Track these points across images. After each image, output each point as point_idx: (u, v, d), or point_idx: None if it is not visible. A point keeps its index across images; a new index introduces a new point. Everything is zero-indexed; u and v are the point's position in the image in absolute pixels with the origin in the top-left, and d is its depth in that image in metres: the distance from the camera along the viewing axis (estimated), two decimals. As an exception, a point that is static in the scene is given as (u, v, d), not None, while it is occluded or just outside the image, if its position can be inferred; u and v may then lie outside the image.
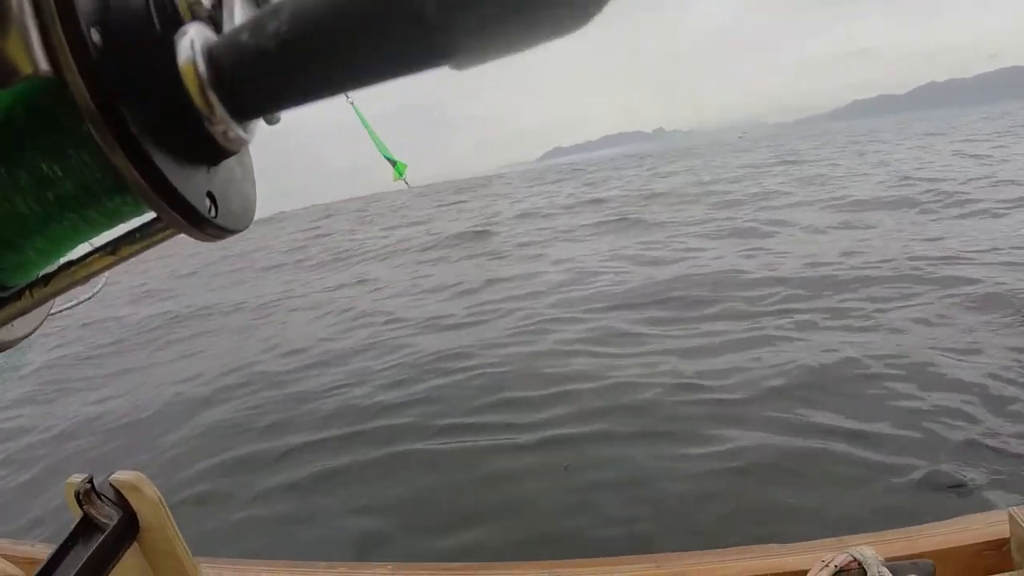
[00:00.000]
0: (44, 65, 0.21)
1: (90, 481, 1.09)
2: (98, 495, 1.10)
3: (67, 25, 0.21)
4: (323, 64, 0.18)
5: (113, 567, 1.08)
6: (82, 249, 0.29)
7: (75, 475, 1.09)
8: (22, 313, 0.28)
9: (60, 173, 0.25)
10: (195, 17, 0.23)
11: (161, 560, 1.15)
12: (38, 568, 0.97)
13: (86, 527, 1.07)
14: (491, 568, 1.22)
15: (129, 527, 1.13)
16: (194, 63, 0.19)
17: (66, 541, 1.03)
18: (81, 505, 1.07)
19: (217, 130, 0.21)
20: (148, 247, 0.29)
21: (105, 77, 0.21)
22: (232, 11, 0.24)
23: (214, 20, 0.24)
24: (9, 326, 0.28)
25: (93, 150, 0.24)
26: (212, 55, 0.19)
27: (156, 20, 0.23)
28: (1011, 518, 1.06)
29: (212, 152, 0.25)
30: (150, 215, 0.27)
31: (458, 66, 0.18)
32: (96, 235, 0.28)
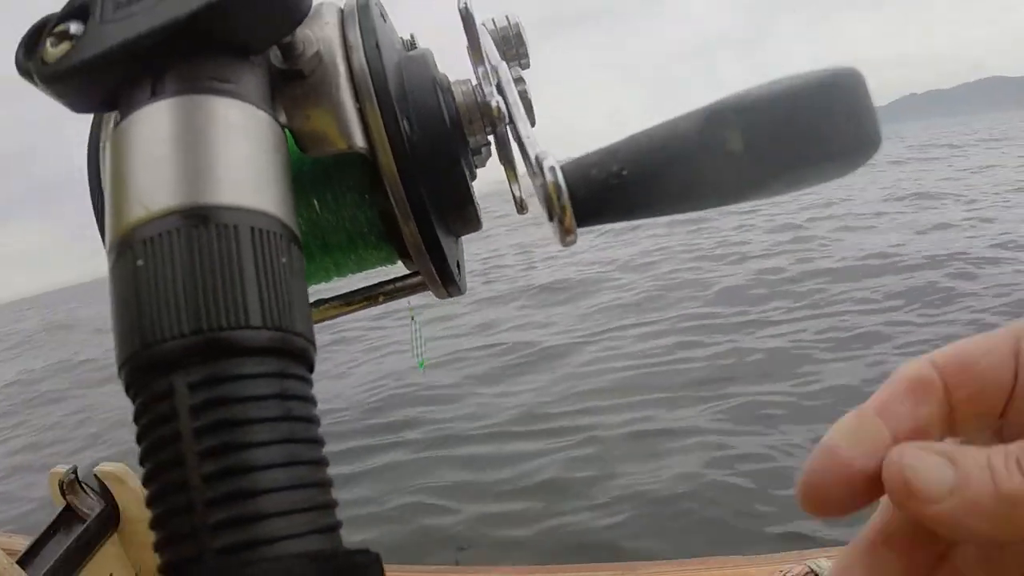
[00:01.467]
0: (361, 143, 0.26)
1: (74, 472, 1.12)
2: (82, 486, 1.12)
3: (386, 115, 0.26)
4: (648, 195, 0.23)
5: (92, 557, 1.11)
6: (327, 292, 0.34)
7: (60, 465, 1.12)
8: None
9: (345, 217, 0.30)
10: (471, 121, 0.30)
11: (140, 551, 1.17)
12: (17, 557, 1.00)
13: (67, 517, 1.09)
14: (462, 571, 1.25)
15: (110, 518, 1.16)
16: (557, 184, 0.23)
17: (47, 531, 1.06)
18: (64, 495, 1.09)
19: (565, 237, 0.25)
20: (397, 297, 0.34)
21: (410, 160, 0.27)
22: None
23: (485, 120, 0.30)
24: None
25: (378, 208, 0.30)
26: (567, 178, 0.24)
27: (447, 118, 0.29)
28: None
29: (466, 227, 0.33)
30: (401, 270, 0.33)
31: (754, 197, 0.23)
32: (344, 275, 0.33)
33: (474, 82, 0.31)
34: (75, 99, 0.23)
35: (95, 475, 1.17)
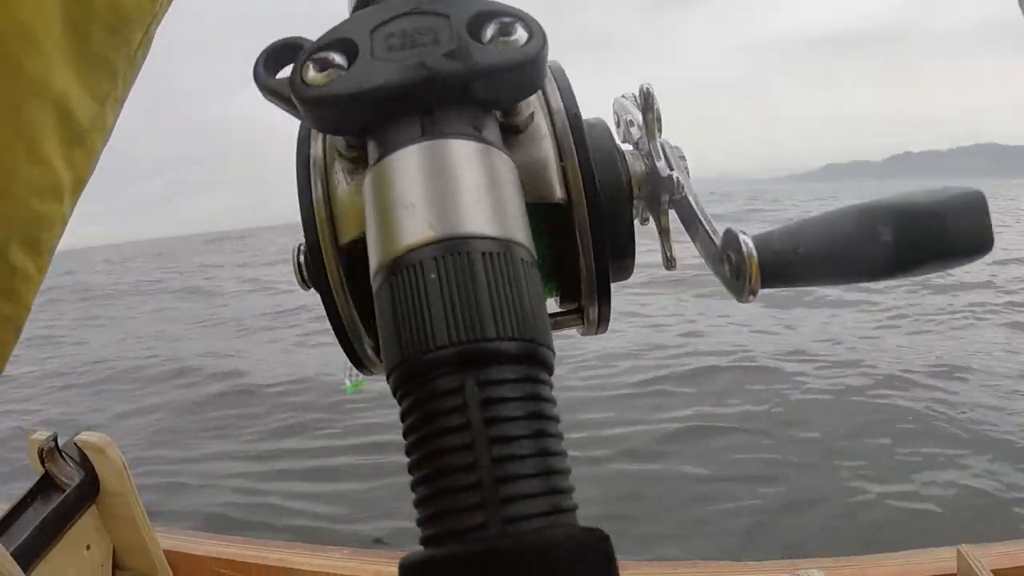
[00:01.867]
0: (560, 195, 0.30)
1: (54, 439, 1.09)
2: (61, 455, 1.10)
3: (585, 174, 0.30)
4: (816, 268, 0.29)
5: (70, 527, 1.08)
6: None
7: (40, 431, 1.09)
8: (369, 361, 0.34)
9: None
10: (639, 187, 0.34)
11: (118, 524, 1.15)
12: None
13: (46, 485, 1.07)
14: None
15: (90, 489, 1.13)
16: (751, 254, 0.29)
17: (24, 498, 1.03)
18: (43, 463, 1.07)
19: (748, 296, 0.30)
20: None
21: (600, 215, 0.30)
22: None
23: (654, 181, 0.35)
24: None
25: (553, 249, 0.32)
26: (759, 249, 0.29)
27: (624, 182, 0.34)
28: (959, 555, 1.08)
29: (621, 275, 0.35)
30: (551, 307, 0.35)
31: (893, 279, 0.28)
32: None
33: (633, 149, 0.35)
34: (330, 121, 0.27)
35: (75, 444, 1.14)
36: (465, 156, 0.24)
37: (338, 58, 0.26)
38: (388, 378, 0.22)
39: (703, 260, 0.34)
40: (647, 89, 0.34)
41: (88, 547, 1.11)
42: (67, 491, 1.09)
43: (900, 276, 0.28)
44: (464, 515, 0.20)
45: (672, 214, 0.35)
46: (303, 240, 0.33)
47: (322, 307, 0.31)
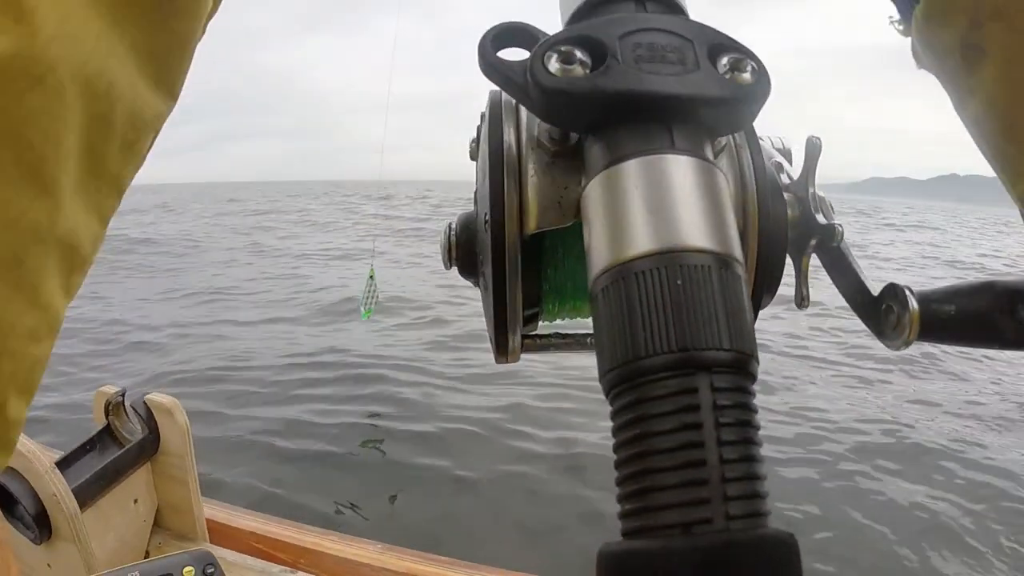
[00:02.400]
0: (738, 256, 0.30)
1: (123, 394, 1.16)
2: (125, 410, 1.17)
3: (761, 211, 0.32)
4: (962, 330, 0.32)
5: (125, 479, 1.15)
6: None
7: (108, 385, 1.17)
8: (512, 352, 0.36)
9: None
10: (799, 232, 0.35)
11: (169, 484, 1.21)
12: (55, 459, 1.04)
13: (105, 436, 1.14)
14: (478, 569, 1.22)
15: (150, 446, 1.20)
16: (916, 309, 0.31)
17: (84, 444, 1.11)
18: (107, 415, 1.14)
19: (902, 345, 0.34)
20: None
21: (758, 273, 0.33)
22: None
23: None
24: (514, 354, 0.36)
25: None
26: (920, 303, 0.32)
27: (787, 230, 0.34)
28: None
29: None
30: None
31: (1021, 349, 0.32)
32: (572, 317, 0.38)
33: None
34: (565, 114, 0.28)
35: (144, 402, 1.21)
36: (703, 173, 0.26)
37: (582, 55, 0.27)
38: (609, 372, 0.24)
39: (847, 303, 0.35)
40: (816, 141, 0.35)
41: (136, 501, 1.17)
42: (128, 444, 1.15)
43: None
44: (691, 509, 0.21)
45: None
46: (453, 220, 0.37)
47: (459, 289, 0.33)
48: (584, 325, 0.38)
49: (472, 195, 0.38)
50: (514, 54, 0.30)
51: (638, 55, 0.27)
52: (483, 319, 0.37)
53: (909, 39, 0.35)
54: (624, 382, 0.23)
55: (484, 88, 0.33)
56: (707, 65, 0.27)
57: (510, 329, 0.34)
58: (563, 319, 0.38)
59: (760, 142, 0.38)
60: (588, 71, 0.27)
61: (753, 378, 0.24)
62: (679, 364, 0.22)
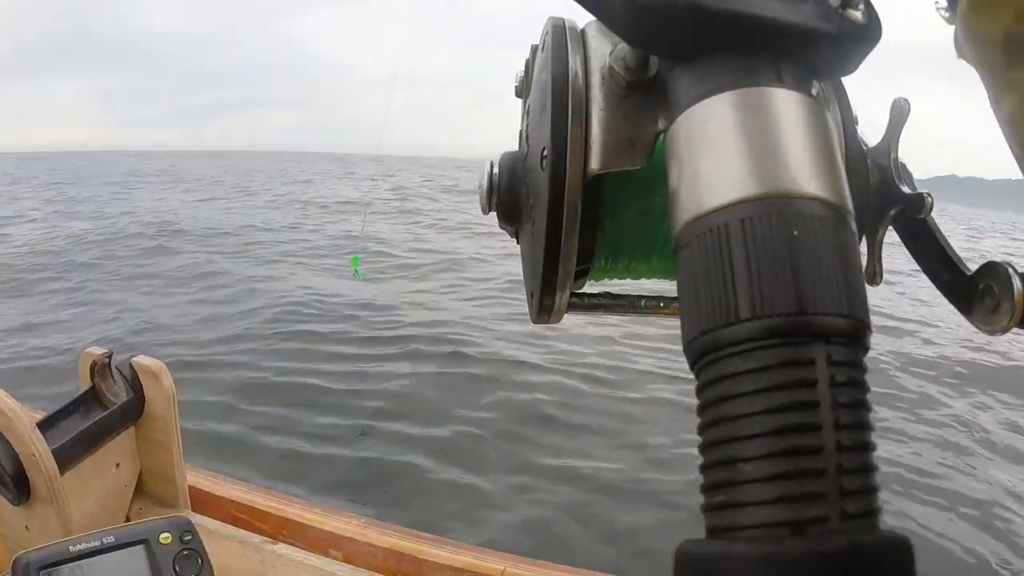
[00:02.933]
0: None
1: (109, 356, 1.14)
2: (111, 372, 1.15)
3: (851, 178, 0.27)
4: None
5: (107, 441, 1.13)
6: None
7: (94, 347, 1.15)
8: (555, 311, 0.32)
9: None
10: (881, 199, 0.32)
11: (152, 449, 1.19)
12: (37, 419, 1.02)
13: (89, 398, 1.11)
14: (460, 548, 1.21)
15: (134, 409, 1.18)
16: (1021, 291, 0.26)
17: (68, 405, 1.08)
18: (92, 377, 1.12)
19: (1004, 331, 0.28)
20: (661, 316, 0.35)
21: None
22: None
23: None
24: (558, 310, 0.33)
25: None
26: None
27: (868, 187, 0.31)
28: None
29: None
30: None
31: None
32: (622, 277, 0.35)
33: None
34: (653, 34, 0.25)
35: (130, 364, 1.19)
36: (816, 114, 0.23)
37: None
38: (701, 336, 0.20)
39: (932, 282, 0.32)
40: (904, 103, 0.31)
41: (118, 465, 1.15)
42: (111, 407, 1.13)
43: None
44: (804, 504, 0.18)
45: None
46: (495, 159, 0.33)
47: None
48: (633, 287, 0.36)
49: (518, 134, 0.34)
50: None
51: None
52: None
53: (951, 28, 0.33)
54: (720, 348, 0.20)
55: (495, 71, 0.30)
56: None
57: (559, 284, 0.30)
58: (613, 279, 0.35)
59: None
60: None
61: (867, 351, 0.21)
62: (793, 329, 0.19)
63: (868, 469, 0.19)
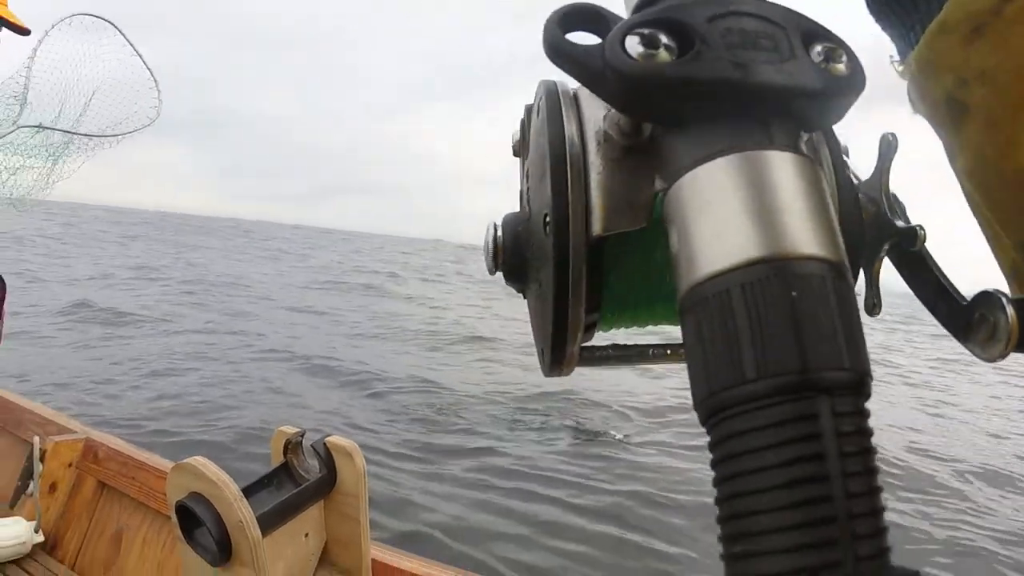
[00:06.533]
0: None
1: (302, 435, 1.27)
2: (303, 450, 1.27)
3: (843, 212, 0.30)
4: None
5: (300, 513, 1.25)
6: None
7: (287, 426, 1.29)
8: (566, 364, 0.33)
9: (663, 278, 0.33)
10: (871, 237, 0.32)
11: (340, 522, 1.29)
12: (239, 487, 1.16)
13: (281, 473, 1.24)
14: None
15: (327, 485, 1.29)
16: (1014, 318, 0.27)
17: (263, 478, 1.22)
18: (285, 454, 1.25)
19: (1000, 358, 0.29)
20: (665, 362, 0.36)
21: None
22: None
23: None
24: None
25: None
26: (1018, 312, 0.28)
27: (864, 233, 0.32)
28: None
29: None
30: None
31: None
32: (629, 327, 0.36)
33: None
34: (645, 103, 0.26)
35: (325, 444, 1.32)
36: (807, 172, 0.24)
37: (667, 40, 0.25)
38: (710, 398, 0.21)
39: (930, 312, 0.32)
40: (891, 138, 0.32)
41: (307, 535, 1.26)
42: (304, 482, 1.26)
43: None
44: (819, 551, 0.19)
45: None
46: (498, 221, 0.34)
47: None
48: (639, 335, 0.36)
49: (519, 194, 0.35)
50: (581, 39, 0.27)
51: (729, 41, 0.24)
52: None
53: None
54: (729, 407, 0.21)
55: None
56: (802, 54, 0.25)
57: (569, 340, 0.31)
58: (621, 328, 0.35)
59: None
60: (675, 57, 0.24)
61: (868, 397, 0.21)
62: (797, 387, 0.20)
63: (876, 512, 0.20)
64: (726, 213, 0.22)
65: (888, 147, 0.32)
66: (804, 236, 0.22)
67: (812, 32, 0.26)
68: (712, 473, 0.21)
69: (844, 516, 0.19)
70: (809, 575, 0.19)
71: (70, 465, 2.37)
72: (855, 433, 0.20)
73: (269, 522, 1.21)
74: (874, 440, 0.21)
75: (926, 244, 0.32)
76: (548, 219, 0.29)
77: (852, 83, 0.25)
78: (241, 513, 1.14)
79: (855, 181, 0.32)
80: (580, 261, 0.28)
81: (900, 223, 0.31)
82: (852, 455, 0.20)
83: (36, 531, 2.19)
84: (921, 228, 0.31)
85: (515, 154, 0.36)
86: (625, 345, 0.36)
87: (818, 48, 0.25)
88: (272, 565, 1.18)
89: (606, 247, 0.30)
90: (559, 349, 0.31)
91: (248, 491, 1.19)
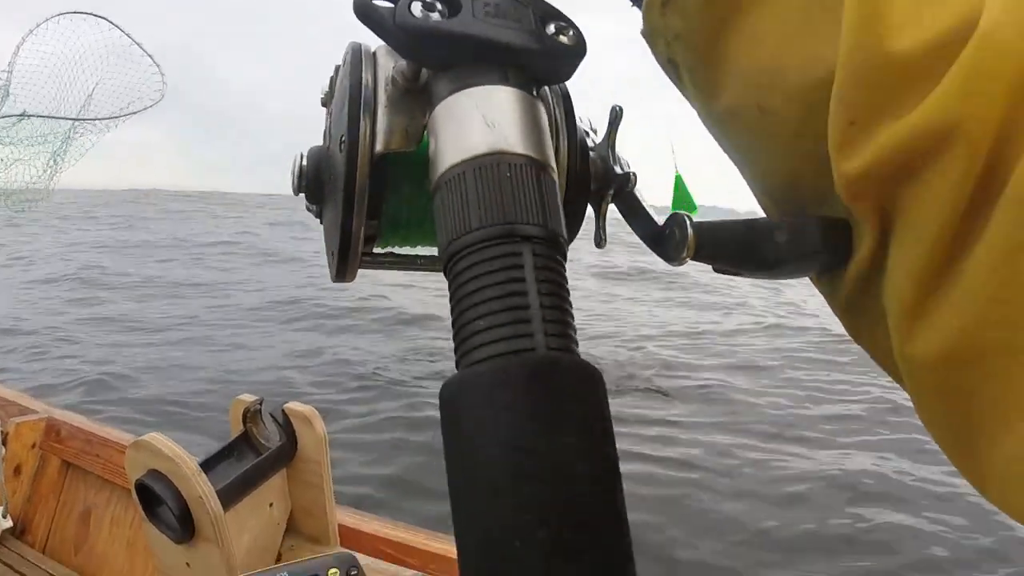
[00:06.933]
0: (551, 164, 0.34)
1: (260, 403, 1.25)
2: (262, 418, 1.25)
3: (570, 147, 0.39)
4: (727, 256, 0.35)
5: (262, 483, 1.23)
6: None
7: (245, 395, 1.26)
8: (350, 268, 0.40)
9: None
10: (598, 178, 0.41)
11: (303, 489, 1.28)
12: (196, 460, 1.14)
13: (242, 443, 1.22)
14: None
15: (288, 453, 1.28)
16: (689, 232, 0.34)
17: (223, 449, 1.20)
18: (245, 423, 1.23)
19: (678, 263, 0.37)
20: (426, 270, 0.45)
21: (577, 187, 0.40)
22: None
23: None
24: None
25: None
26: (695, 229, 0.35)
27: (592, 173, 0.41)
28: None
29: None
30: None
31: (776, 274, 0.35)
32: (402, 245, 0.44)
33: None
34: (424, 52, 0.34)
35: (283, 411, 1.30)
36: (528, 103, 0.33)
37: (440, 6, 0.33)
38: (450, 244, 0.29)
39: (641, 239, 0.40)
40: (618, 109, 0.41)
41: (271, 504, 1.25)
42: (266, 452, 1.24)
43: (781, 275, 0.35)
44: (518, 339, 0.26)
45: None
46: (304, 151, 0.41)
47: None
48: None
49: (322, 134, 0.42)
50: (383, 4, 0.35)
51: (487, 11, 0.33)
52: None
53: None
54: (463, 249, 0.28)
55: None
56: (539, 27, 0.34)
57: (353, 244, 0.37)
58: (395, 247, 0.43)
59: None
60: (445, 17, 0.32)
61: (563, 254, 0.30)
62: (506, 234, 0.28)
63: (565, 323, 0.27)
64: (467, 123, 0.31)
65: (616, 116, 0.41)
66: (518, 140, 0.30)
67: (549, 14, 0.35)
68: (448, 306, 0.28)
69: (539, 318, 0.27)
70: (514, 355, 0.26)
71: (33, 446, 2.31)
72: (548, 268, 0.28)
73: (231, 495, 1.19)
74: (568, 284, 0.29)
75: (637, 187, 0.41)
76: (343, 140, 0.36)
77: (574, 49, 0.35)
78: (200, 488, 1.12)
79: (588, 139, 0.41)
80: (365, 174, 0.35)
81: (619, 170, 0.41)
82: (546, 281, 0.28)
83: (4, 516, 2.16)
84: (634, 174, 0.41)
85: (323, 104, 0.42)
86: (399, 253, 0.44)
87: (552, 25, 0.34)
88: (237, 537, 1.16)
89: (387, 168, 0.37)
90: (344, 252, 0.38)
91: (208, 464, 1.17)
